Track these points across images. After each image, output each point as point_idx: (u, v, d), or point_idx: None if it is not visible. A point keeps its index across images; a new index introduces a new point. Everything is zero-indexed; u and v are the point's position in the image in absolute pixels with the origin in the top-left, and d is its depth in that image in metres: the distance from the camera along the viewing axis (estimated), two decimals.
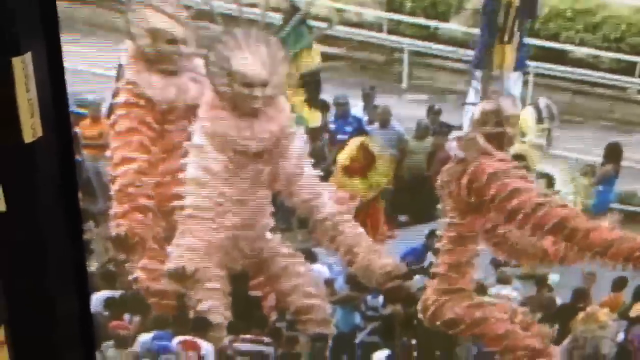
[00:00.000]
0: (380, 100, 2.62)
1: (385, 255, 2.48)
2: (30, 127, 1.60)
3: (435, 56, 2.65)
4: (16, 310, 1.69)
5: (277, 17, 2.45)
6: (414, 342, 2.52)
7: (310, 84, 2.50)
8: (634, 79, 2.44)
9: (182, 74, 2.38)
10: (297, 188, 2.38)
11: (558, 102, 2.38)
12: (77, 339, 1.77)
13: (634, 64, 2.43)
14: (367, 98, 2.62)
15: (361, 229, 2.47)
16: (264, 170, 2.36)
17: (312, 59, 2.45)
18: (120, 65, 2.36)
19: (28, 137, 1.60)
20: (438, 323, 2.46)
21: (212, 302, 2.40)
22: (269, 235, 2.46)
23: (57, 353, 1.73)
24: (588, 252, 2.37)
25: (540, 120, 2.45)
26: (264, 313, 2.50)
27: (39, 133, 1.61)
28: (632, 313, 2.52)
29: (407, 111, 2.62)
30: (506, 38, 2.36)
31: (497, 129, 2.31)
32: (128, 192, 2.38)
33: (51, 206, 1.66)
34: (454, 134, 2.46)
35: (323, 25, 2.45)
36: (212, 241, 2.32)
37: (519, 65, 2.38)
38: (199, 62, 2.35)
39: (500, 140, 2.32)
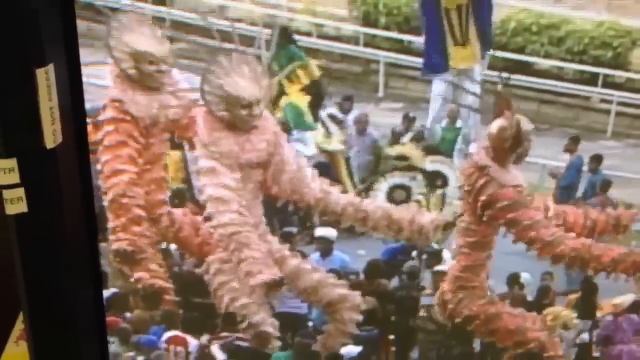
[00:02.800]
0: (357, 108, 2.71)
1: (422, 212, 2.52)
2: (52, 134, 1.69)
3: (409, 67, 2.73)
4: (35, 302, 1.79)
5: (256, 30, 2.51)
6: (392, 337, 2.66)
7: (313, 94, 2.58)
8: (596, 89, 2.57)
9: (163, 90, 2.45)
10: (308, 189, 2.48)
11: (526, 110, 2.47)
12: (94, 331, 1.88)
13: (597, 75, 2.56)
14: (345, 106, 2.71)
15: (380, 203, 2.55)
16: (262, 180, 2.45)
17: (311, 74, 2.55)
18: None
19: (50, 143, 1.69)
20: (458, 320, 2.55)
21: (262, 315, 2.49)
22: (270, 238, 2.52)
23: (74, 344, 1.83)
24: (596, 270, 2.51)
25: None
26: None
27: (59, 139, 1.71)
28: (603, 311, 2.61)
29: (383, 119, 2.73)
30: (461, 39, 2.42)
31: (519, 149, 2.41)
32: (122, 202, 2.43)
33: (70, 207, 1.77)
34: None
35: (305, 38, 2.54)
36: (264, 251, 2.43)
37: (487, 46, 2.44)
38: (178, 77, 2.45)
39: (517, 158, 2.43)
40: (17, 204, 1.69)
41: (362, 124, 2.75)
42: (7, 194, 1.68)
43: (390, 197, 2.61)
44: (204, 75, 2.33)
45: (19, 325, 2.27)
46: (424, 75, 2.49)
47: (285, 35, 2.50)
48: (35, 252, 1.73)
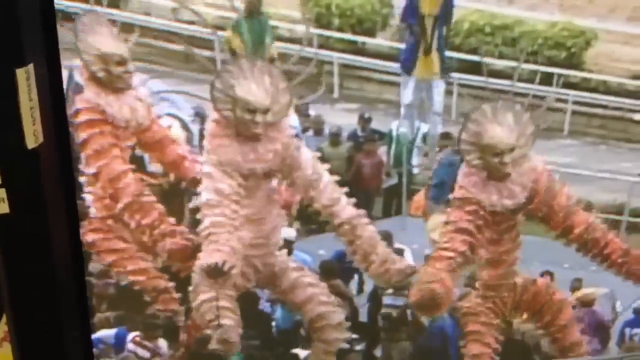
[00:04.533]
0: (313, 110, 2.73)
1: (399, 259, 2.55)
2: (33, 134, 1.68)
3: (363, 68, 2.76)
4: (19, 303, 1.78)
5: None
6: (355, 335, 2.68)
7: None
8: (552, 89, 2.58)
9: (129, 92, 2.43)
10: (317, 194, 2.47)
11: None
12: (78, 331, 1.87)
13: (551, 74, 2.61)
14: (301, 108, 2.73)
15: (376, 234, 2.55)
16: (276, 188, 2.45)
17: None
18: (69, 88, 2.39)
19: (31, 144, 1.68)
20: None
21: (227, 321, 2.48)
22: (277, 251, 2.52)
23: (58, 344, 1.82)
24: None
25: None
26: None
27: (40, 139, 1.70)
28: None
29: (339, 119, 2.75)
30: (426, 48, 2.48)
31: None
32: (143, 202, 2.41)
33: (53, 207, 1.76)
34: None
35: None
36: (234, 247, 2.41)
37: (444, 74, 2.51)
38: (140, 80, 2.43)
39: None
40: None
41: (317, 125, 2.78)
42: None
43: None
44: (219, 73, 2.32)
45: (2, 327, 2.23)
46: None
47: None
48: (18, 253, 1.72)
